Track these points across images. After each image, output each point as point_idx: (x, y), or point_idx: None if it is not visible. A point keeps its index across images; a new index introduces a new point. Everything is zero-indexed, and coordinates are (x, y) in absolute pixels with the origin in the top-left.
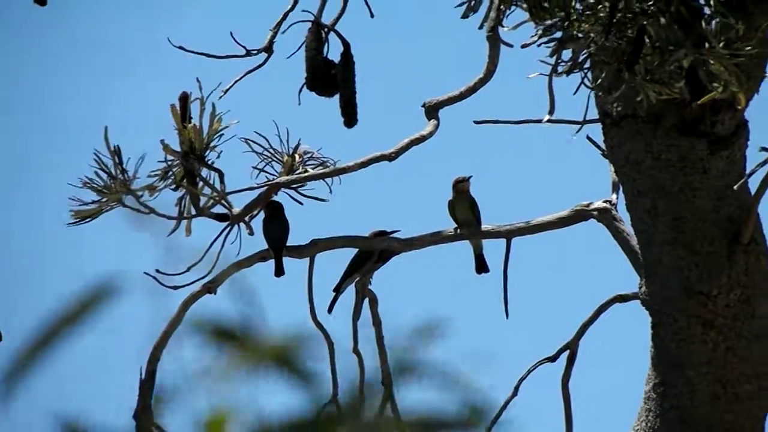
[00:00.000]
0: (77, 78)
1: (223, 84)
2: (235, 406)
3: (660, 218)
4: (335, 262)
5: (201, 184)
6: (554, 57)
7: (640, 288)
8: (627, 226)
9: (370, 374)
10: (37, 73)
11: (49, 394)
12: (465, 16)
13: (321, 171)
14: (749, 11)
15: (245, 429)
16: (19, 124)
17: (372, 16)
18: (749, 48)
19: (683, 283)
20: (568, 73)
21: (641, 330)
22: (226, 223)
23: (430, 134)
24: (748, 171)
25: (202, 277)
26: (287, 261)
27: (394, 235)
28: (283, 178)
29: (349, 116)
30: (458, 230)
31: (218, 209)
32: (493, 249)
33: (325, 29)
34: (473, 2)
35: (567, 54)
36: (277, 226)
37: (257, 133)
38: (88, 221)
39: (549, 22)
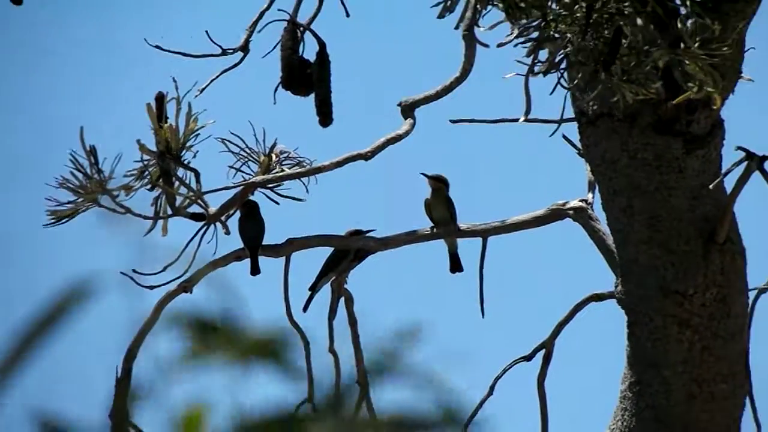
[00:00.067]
0: (53, 78)
1: (199, 83)
2: (212, 400)
3: (636, 217)
4: (311, 261)
5: (177, 183)
6: (531, 57)
7: (616, 287)
8: (603, 225)
9: (346, 374)
10: (11, 73)
11: (27, 394)
12: (441, 16)
13: (297, 170)
14: (725, 12)
15: (222, 424)
16: None
17: (348, 15)
18: (725, 48)
19: (659, 282)
20: (545, 73)
21: (617, 329)
22: (203, 223)
23: (407, 133)
24: (723, 170)
25: (178, 277)
26: (263, 260)
27: (370, 234)
28: (259, 178)
29: (325, 115)
30: (434, 229)
31: (194, 209)
32: (468, 248)
33: (301, 28)
34: (449, 2)
35: (543, 54)
36: (252, 225)
37: (233, 133)
38: (65, 222)
39: (525, 22)
